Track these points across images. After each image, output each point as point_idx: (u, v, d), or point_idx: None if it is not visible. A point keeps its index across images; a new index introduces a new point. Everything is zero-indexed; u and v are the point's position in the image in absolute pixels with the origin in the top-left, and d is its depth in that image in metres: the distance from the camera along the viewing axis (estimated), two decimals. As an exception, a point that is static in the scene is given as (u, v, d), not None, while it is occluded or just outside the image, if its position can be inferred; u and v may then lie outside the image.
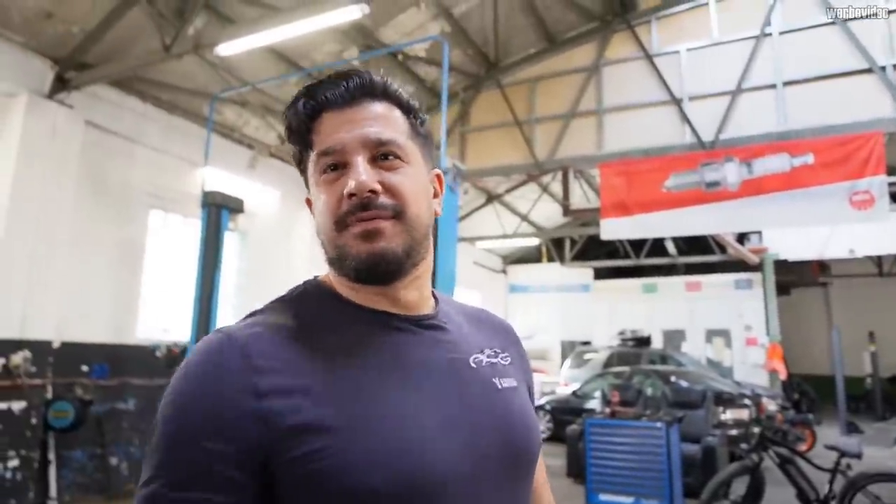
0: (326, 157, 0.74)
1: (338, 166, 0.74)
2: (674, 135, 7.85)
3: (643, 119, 8.11)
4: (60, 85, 6.31)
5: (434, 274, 3.85)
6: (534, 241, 15.24)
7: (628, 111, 8.28)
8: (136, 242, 7.25)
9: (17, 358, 5.70)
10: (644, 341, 12.44)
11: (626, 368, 10.06)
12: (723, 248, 13.16)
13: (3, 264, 5.78)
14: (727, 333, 14.38)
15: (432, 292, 0.85)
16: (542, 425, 10.47)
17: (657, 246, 14.30)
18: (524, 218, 13.88)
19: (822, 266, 14.78)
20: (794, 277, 14.00)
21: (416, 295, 0.79)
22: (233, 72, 7.29)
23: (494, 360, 0.82)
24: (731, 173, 6.86)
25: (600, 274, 16.95)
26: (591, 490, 5.60)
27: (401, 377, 0.71)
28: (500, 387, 0.79)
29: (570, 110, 8.59)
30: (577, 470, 7.16)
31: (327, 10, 5.13)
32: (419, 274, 0.79)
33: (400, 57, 8.57)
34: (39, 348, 5.90)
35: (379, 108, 0.77)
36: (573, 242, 15.82)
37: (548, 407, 10.74)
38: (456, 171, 5.35)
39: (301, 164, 0.80)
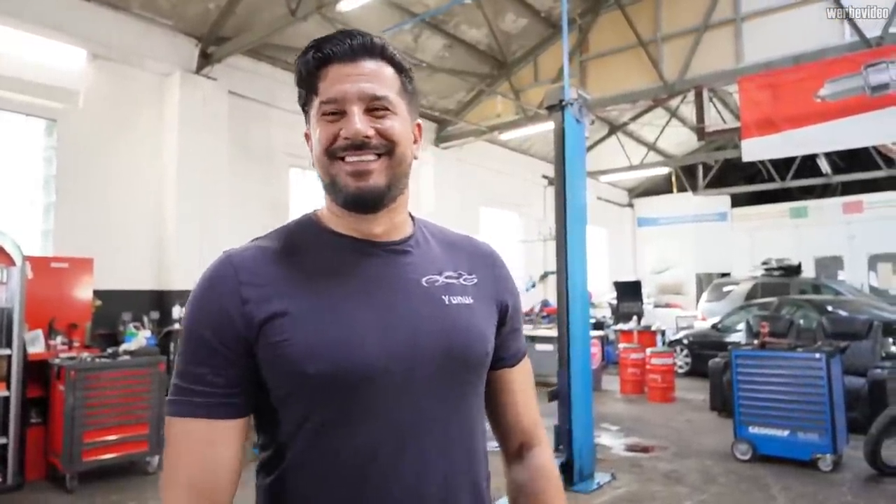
0: (328, 105, 0.87)
1: (337, 112, 0.87)
2: (830, 35, 6.91)
3: (791, 22, 7.20)
4: (204, 60, 6.92)
5: (564, 209, 3.74)
6: (663, 171, 14.38)
7: (772, 14, 7.39)
8: (280, 198, 7.89)
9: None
10: (793, 270, 11.44)
11: (772, 300, 9.39)
12: (889, 162, 11.56)
13: (181, 221, 6.64)
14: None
15: (415, 221, 1.01)
16: (680, 360, 10.17)
17: (807, 165, 12.82)
18: (651, 147, 13.12)
19: None
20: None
21: (387, 224, 0.93)
22: (352, 27, 7.44)
23: (452, 281, 0.95)
24: (905, 72, 5.92)
25: (738, 201, 15.70)
26: (739, 423, 5.40)
27: (354, 288, 0.87)
28: (447, 303, 0.92)
29: (703, 22, 7.85)
30: (721, 404, 6.96)
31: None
32: (395, 206, 0.93)
33: (512, -12, 8.27)
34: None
35: (375, 65, 0.89)
36: (706, 169, 14.72)
37: (685, 341, 10.39)
38: (581, 102, 5.14)
39: (305, 105, 0.93)
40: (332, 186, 0.89)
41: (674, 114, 11.88)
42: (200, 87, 6.91)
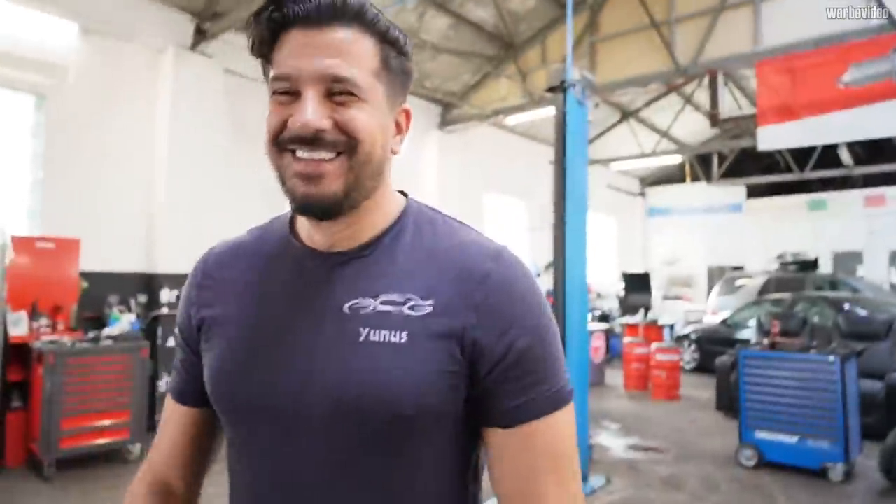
0: (280, 82, 0.73)
1: (290, 93, 0.72)
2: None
3: (813, 3, 6.76)
4: (200, 37, 6.68)
5: (563, 197, 3.49)
6: (676, 160, 13.93)
7: (794, -6, 6.96)
8: (276, 183, 7.66)
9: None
10: (809, 265, 11.03)
11: (786, 295, 9.04)
12: (914, 154, 11.08)
13: (171, 202, 6.46)
14: (919, 255, 12.35)
15: (403, 215, 0.82)
16: (688, 355, 9.85)
17: (827, 156, 12.30)
18: (664, 134, 12.68)
19: None
20: None
21: (342, 232, 0.78)
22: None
23: (388, 309, 0.74)
24: (936, 57, 5.53)
25: (754, 192, 15.20)
26: (745, 427, 5.15)
27: (270, 310, 0.79)
28: (362, 339, 0.72)
29: (720, 2, 7.43)
30: (727, 403, 6.70)
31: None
32: (359, 211, 0.78)
33: (519, -36, 7.90)
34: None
35: (346, 35, 0.71)
36: (722, 158, 14.25)
37: (693, 336, 10.11)
38: (585, 83, 4.84)
39: (266, 75, 0.76)
40: (281, 181, 0.75)
41: (688, 100, 11.44)
42: (196, 63, 6.69)
